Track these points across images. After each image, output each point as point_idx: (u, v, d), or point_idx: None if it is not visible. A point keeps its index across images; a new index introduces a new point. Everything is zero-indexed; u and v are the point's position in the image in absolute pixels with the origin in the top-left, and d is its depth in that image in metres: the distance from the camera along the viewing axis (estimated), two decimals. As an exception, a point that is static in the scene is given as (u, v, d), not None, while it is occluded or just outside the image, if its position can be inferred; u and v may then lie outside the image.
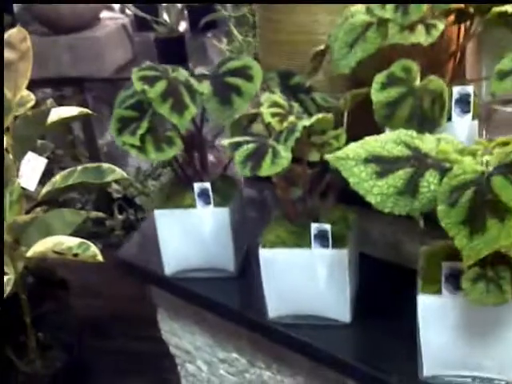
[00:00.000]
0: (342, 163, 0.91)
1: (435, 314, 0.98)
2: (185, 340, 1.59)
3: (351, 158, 0.91)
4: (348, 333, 1.17)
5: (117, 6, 3.74)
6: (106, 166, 1.94)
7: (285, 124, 1.09)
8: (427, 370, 1.03)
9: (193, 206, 1.30)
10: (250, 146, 1.05)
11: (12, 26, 3.48)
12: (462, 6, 1.10)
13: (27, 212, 2.07)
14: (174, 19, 3.36)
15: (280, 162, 1.02)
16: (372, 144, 0.93)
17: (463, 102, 1.11)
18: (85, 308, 2.78)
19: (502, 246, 0.82)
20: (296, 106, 1.17)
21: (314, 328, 1.19)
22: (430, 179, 0.88)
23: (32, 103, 2.11)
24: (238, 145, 1.05)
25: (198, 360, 1.60)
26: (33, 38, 3.36)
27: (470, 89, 1.11)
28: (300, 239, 1.14)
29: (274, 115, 1.11)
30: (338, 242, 1.13)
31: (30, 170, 2.25)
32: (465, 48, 1.20)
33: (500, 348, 0.97)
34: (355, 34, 1.11)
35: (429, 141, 0.95)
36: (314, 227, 1.11)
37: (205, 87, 1.21)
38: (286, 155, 1.03)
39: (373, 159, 0.91)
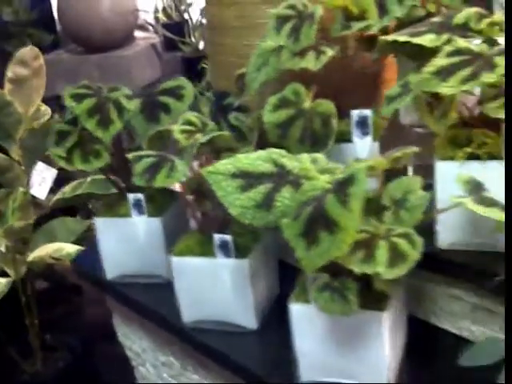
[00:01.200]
0: (212, 177, 0.99)
1: (305, 323, 1.04)
2: (135, 343, 1.68)
3: (221, 172, 0.99)
4: (253, 339, 1.23)
5: (151, 27, 3.90)
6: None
7: (191, 141, 1.17)
8: (304, 375, 1.08)
9: (129, 215, 1.39)
10: (150, 159, 1.13)
11: (56, 44, 3.68)
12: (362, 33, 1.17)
13: (37, 219, 2.22)
14: (198, 39, 3.50)
15: (175, 175, 1.11)
16: (243, 160, 1.00)
17: (363, 124, 1.17)
18: (96, 312, 2.88)
19: (336, 257, 0.88)
20: (211, 124, 1.25)
21: (223, 333, 1.25)
22: (285, 194, 0.95)
23: (47, 117, 2.27)
24: (140, 158, 1.14)
25: (147, 363, 1.68)
26: (64, 56, 3.56)
27: (368, 112, 1.17)
28: (207, 249, 1.22)
29: (182, 132, 1.19)
30: (243, 252, 1.20)
31: (41, 180, 2.39)
32: (377, 73, 1.26)
33: (366, 356, 1.02)
34: (262, 58, 1.19)
35: (302, 160, 1.01)
36: (217, 238, 1.18)
37: (133, 104, 1.31)
38: (182, 169, 1.11)
39: (240, 174, 0.98)
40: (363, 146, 1.19)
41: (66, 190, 2.34)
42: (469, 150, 1.04)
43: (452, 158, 1.06)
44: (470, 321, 1.13)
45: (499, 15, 1.04)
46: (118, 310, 1.66)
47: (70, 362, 2.53)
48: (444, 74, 0.96)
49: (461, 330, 1.15)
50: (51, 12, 3.56)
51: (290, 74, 1.19)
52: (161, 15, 3.78)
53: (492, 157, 1.04)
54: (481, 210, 0.90)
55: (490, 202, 0.93)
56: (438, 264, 1.13)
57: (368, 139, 1.20)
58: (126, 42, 3.53)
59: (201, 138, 1.16)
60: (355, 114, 1.18)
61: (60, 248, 2.16)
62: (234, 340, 1.24)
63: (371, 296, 1.00)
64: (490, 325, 1.10)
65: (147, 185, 1.09)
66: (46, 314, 2.77)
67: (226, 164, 0.99)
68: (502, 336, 0.91)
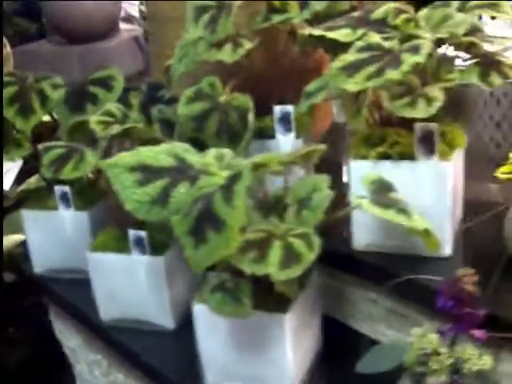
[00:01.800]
0: (111, 170, 0.95)
1: (208, 324, 1.00)
2: (70, 341, 1.64)
3: (120, 165, 0.95)
4: (169, 339, 1.20)
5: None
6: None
7: (108, 131, 1.14)
8: (210, 379, 1.05)
9: (55, 208, 1.35)
10: (59, 150, 1.09)
11: (42, 34, 3.63)
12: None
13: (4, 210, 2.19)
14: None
15: (83, 167, 1.07)
16: (144, 153, 0.96)
17: (285, 120, 1.13)
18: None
19: (227, 257, 0.84)
20: (135, 116, 1.22)
21: (140, 333, 1.22)
22: (181, 190, 0.91)
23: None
24: (49, 149, 1.10)
25: (82, 360, 1.64)
26: (47, 47, 3.51)
27: (290, 108, 1.13)
28: (123, 245, 1.18)
29: (100, 123, 1.15)
30: (161, 249, 1.16)
31: (5, 170, 2.36)
32: (312, 68, 1.22)
33: (269, 360, 0.98)
34: (184, 49, 1.15)
35: (206, 155, 0.97)
36: (132, 233, 1.15)
37: (57, 94, 1.27)
38: (91, 161, 1.08)
39: (139, 168, 0.94)
40: (286, 143, 1.16)
41: (32, 181, 2.30)
42: (381, 149, 1.01)
43: (365, 157, 1.02)
44: (385, 325, 1.09)
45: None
46: (51, 305, 1.62)
47: (30, 355, 2.48)
48: (351, 69, 0.93)
49: (377, 334, 1.11)
50: (37, 2, 3.53)
51: (220, 66, 1.15)
52: (144, 7, 3.74)
53: (404, 156, 1.00)
54: (376, 211, 0.87)
55: (391, 203, 0.90)
56: (354, 266, 1.10)
57: (291, 136, 1.16)
58: (110, 33, 3.48)
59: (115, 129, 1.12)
60: (277, 109, 1.14)
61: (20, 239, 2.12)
62: (149, 340, 1.20)
63: (274, 298, 0.97)
64: (404, 330, 1.06)
65: (54, 177, 1.06)
66: (12, 307, 2.73)
67: (125, 157, 0.95)
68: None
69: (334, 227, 1.17)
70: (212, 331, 1.01)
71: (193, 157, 0.96)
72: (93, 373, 1.60)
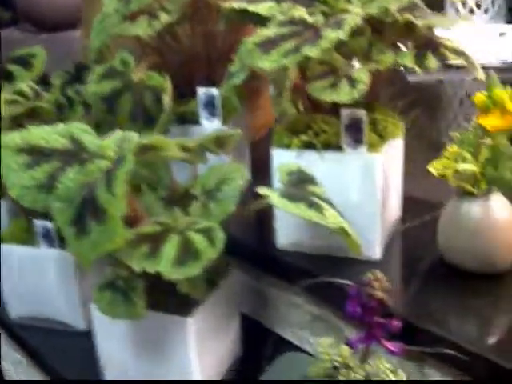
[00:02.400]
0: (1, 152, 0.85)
1: (106, 324, 0.90)
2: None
3: (7, 146, 0.84)
4: (79, 340, 1.09)
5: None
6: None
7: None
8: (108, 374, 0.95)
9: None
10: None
11: (15, 21, 3.54)
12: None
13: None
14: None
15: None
16: (35, 133, 0.85)
17: (210, 104, 1.03)
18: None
19: (110, 250, 0.74)
20: (51, 96, 1.11)
21: (50, 332, 1.12)
22: (69, 175, 0.80)
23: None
24: None
25: (6, 358, 1.54)
26: (15, 34, 3.41)
27: (214, 91, 1.03)
28: (32, 237, 1.07)
29: (9, 102, 1.05)
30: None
31: None
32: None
33: (171, 365, 0.88)
34: (101, 24, 1.05)
35: (106, 138, 0.87)
36: (37, 225, 1.04)
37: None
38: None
39: (28, 149, 0.83)
40: (211, 129, 1.05)
41: None
42: (305, 137, 0.91)
43: (288, 146, 0.92)
44: (309, 332, 0.99)
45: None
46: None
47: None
48: (268, 45, 0.83)
49: (301, 341, 1.01)
50: (10, -11, 3.44)
51: (142, 42, 1.05)
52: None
53: (329, 146, 0.90)
54: (283, 205, 0.77)
55: (305, 197, 0.80)
56: (275, 267, 1.00)
57: (216, 121, 1.06)
58: (79, 23, 3.39)
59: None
60: (201, 92, 1.04)
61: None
62: (59, 340, 1.10)
63: (181, 299, 0.87)
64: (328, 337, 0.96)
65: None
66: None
67: (13, 136, 0.84)
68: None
69: (262, 223, 1.07)
70: (110, 332, 0.91)
71: (90, 139, 0.85)
72: (17, 371, 1.50)
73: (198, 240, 0.78)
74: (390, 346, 0.73)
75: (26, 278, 1.10)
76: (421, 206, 1.08)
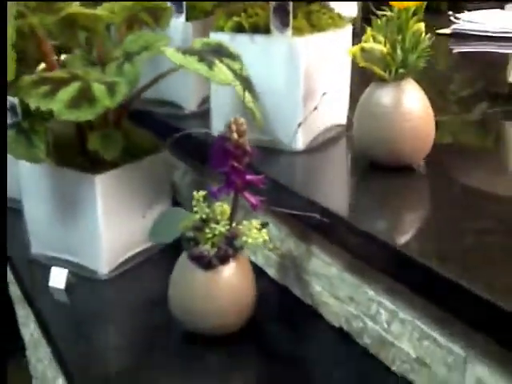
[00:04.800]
0: None
1: (33, 185, 0.95)
2: None
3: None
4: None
5: None
6: None
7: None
8: (34, 247, 0.99)
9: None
10: None
11: None
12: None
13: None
14: None
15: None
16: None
17: None
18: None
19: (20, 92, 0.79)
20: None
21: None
22: None
23: None
24: None
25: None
26: None
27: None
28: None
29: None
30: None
31: None
32: None
33: (81, 227, 0.92)
34: None
35: None
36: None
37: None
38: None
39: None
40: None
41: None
42: (236, 19, 0.92)
43: (222, 29, 0.93)
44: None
45: None
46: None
47: None
48: None
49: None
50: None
51: None
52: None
53: (258, 29, 0.91)
54: (173, 57, 0.79)
55: (202, 55, 0.81)
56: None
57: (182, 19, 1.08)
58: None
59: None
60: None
61: None
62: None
63: (95, 161, 0.90)
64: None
65: None
66: None
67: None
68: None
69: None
70: (35, 192, 0.95)
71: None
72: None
73: (98, 89, 0.80)
74: (251, 197, 0.73)
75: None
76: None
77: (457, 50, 1.80)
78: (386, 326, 0.71)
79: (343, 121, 1.02)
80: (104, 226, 0.90)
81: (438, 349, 0.64)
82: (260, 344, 0.79)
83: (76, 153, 0.92)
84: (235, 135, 0.69)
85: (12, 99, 1.10)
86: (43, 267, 0.95)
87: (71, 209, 0.92)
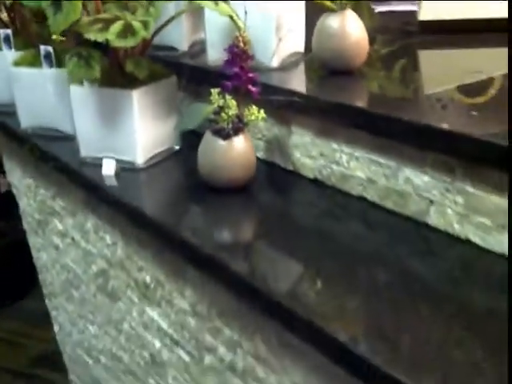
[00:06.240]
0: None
1: (81, 103, 1.29)
2: (14, 177, 1.95)
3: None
4: (71, 143, 1.48)
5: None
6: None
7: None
8: (83, 152, 1.34)
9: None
10: None
11: None
12: None
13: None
14: None
15: None
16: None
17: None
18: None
19: (78, 27, 1.13)
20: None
21: (51, 138, 1.51)
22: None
23: None
24: None
25: (21, 193, 1.94)
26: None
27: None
28: (39, 61, 1.47)
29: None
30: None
31: None
32: None
33: (122, 133, 1.26)
34: None
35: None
36: (41, 48, 1.44)
37: None
38: None
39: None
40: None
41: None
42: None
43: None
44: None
45: None
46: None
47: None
48: None
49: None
50: None
51: None
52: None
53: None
54: (191, -3, 1.14)
55: None
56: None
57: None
58: None
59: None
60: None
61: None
62: (57, 143, 1.49)
63: (129, 80, 1.24)
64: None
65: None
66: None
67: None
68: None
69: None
70: (84, 109, 1.29)
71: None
72: (29, 201, 1.90)
73: (136, 24, 1.15)
74: (252, 88, 1.10)
75: (33, 94, 1.49)
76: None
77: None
78: (346, 164, 1.10)
79: (302, 48, 1.40)
80: (139, 128, 1.26)
81: (379, 168, 1.03)
82: (259, 195, 1.17)
83: (114, 76, 1.26)
84: (242, 43, 1.06)
85: (48, 48, 1.44)
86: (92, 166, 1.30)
87: (113, 118, 1.26)
